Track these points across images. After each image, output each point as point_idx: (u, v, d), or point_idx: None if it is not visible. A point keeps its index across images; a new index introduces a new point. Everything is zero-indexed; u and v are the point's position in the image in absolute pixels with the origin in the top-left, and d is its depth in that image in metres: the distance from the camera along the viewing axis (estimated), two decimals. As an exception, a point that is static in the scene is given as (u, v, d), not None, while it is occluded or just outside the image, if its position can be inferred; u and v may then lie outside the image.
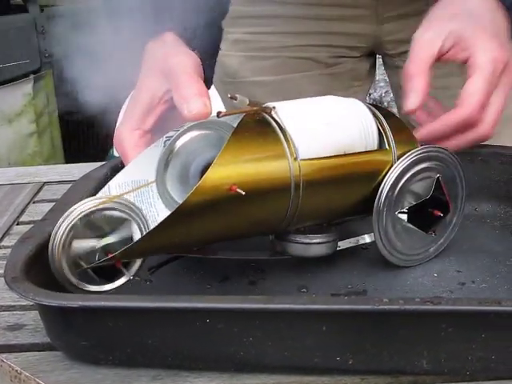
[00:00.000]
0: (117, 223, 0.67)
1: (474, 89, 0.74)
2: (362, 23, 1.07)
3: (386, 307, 0.57)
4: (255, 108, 0.68)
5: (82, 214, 0.65)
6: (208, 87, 0.79)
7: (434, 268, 0.74)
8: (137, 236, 0.67)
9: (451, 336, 0.57)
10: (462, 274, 0.73)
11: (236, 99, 0.68)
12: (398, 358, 0.59)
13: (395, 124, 0.73)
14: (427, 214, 0.74)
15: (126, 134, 0.73)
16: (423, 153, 0.72)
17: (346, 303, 0.59)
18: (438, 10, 0.78)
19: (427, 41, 0.76)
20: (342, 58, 1.11)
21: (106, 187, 0.69)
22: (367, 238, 0.76)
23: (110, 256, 0.64)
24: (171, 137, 0.70)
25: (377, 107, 0.74)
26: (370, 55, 1.14)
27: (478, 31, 0.75)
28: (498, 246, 0.78)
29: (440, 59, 0.76)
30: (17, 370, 0.53)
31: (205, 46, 0.78)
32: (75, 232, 0.65)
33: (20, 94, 2.15)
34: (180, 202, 0.64)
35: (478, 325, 0.57)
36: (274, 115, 0.69)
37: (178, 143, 0.70)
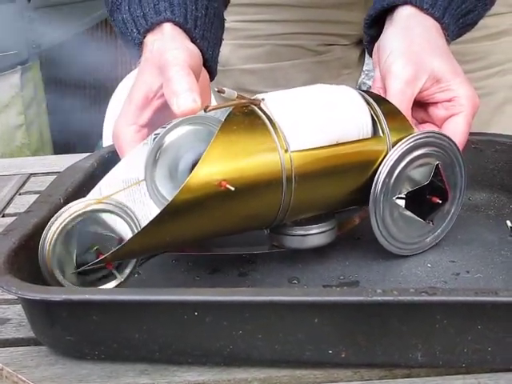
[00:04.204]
0: (108, 224, 0.66)
1: (461, 129, 0.75)
2: (352, 11, 1.07)
3: (379, 298, 0.55)
4: (244, 101, 0.67)
5: (72, 216, 0.64)
6: (211, 79, 0.78)
7: (427, 258, 0.73)
8: (128, 237, 0.66)
9: (446, 328, 0.56)
10: (456, 264, 0.72)
11: (224, 92, 0.66)
12: (391, 350, 0.58)
13: (389, 110, 0.71)
14: (425, 201, 0.73)
15: (122, 129, 0.72)
16: (420, 138, 0.70)
17: (338, 295, 0.58)
18: (406, 40, 0.77)
19: (410, 80, 0.74)
20: (331, 46, 1.11)
21: (97, 188, 0.67)
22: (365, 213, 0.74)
23: (100, 258, 0.63)
24: (160, 134, 0.69)
25: (369, 93, 0.72)
26: (359, 43, 1.13)
27: (457, 74, 0.76)
28: (493, 236, 0.77)
29: (416, 96, 0.76)
30: (-1, 366, 0.52)
31: (208, 37, 0.77)
32: (65, 234, 0.64)
33: (7, 86, 2.12)
34: (170, 199, 0.62)
35: (475, 316, 0.56)
36: (264, 107, 0.67)
37: (167, 139, 0.68)
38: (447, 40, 0.79)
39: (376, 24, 0.81)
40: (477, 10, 0.82)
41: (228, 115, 0.65)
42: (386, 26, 0.80)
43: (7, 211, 0.92)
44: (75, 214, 0.64)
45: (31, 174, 1.04)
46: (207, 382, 0.58)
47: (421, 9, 0.78)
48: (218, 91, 0.66)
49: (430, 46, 0.76)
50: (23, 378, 0.51)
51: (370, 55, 0.82)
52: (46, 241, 0.63)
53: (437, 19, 0.78)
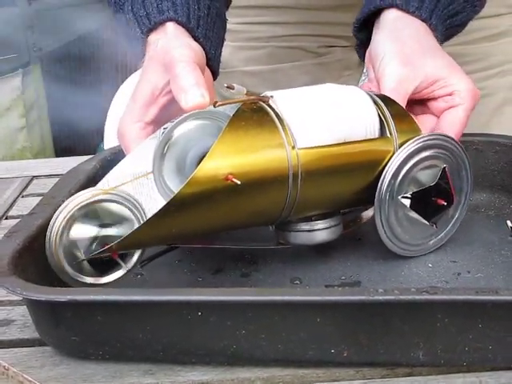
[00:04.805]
0: (114, 215, 0.66)
1: (459, 119, 0.75)
2: (350, 13, 1.07)
3: (380, 298, 0.56)
4: (252, 97, 0.67)
5: (79, 205, 0.65)
6: (214, 78, 0.79)
7: (428, 258, 0.74)
8: (134, 227, 0.66)
9: (448, 326, 0.56)
10: (457, 264, 0.73)
11: (233, 89, 0.67)
12: (393, 349, 0.58)
13: (397, 111, 0.71)
14: (430, 204, 0.73)
15: (127, 126, 0.73)
16: (428, 140, 0.70)
17: (340, 294, 0.59)
18: (398, 43, 0.77)
19: (404, 79, 0.74)
20: (332, 48, 1.11)
21: (105, 180, 0.68)
22: (370, 212, 0.74)
23: (106, 247, 0.64)
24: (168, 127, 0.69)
25: (377, 94, 0.73)
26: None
27: (454, 69, 0.76)
28: (493, 236, 0.78)
29: (414, 96, 0.76)
30: (4, 366, 0.52)
31: (210, 36, 0.77)
32: (72, 223, 0.64)
33: (9, 89, 2.13)
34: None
35: (475, 315, 0.56)
36: (272, 104, 0.68)
37: (175, 133, 0.69)
38: (437, 40, 0.79)
39: (365, 27, 0.81)
40: (465, 11, 0.82)
41: (237, 111, 0.65)
42: (374, 31, 0.80)
43: (10, 213, 0.93)
44: (82, 204, 0.65)
45: (34, 176, 1.05)
46: (211, 382, 0.59)
47: (407, 12, 0.78)
48: (228, 87, 0.66)
49: (422, 47, 0.76)
50: (29, 378, 0.51)
51: (361, 58, 0.83)
52: (53, 230, 0.64)
53: (424, 20, 0.78)
